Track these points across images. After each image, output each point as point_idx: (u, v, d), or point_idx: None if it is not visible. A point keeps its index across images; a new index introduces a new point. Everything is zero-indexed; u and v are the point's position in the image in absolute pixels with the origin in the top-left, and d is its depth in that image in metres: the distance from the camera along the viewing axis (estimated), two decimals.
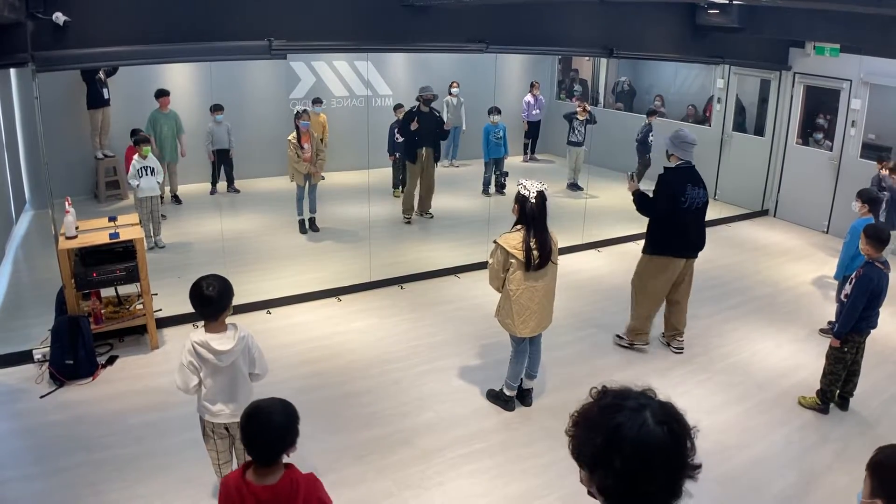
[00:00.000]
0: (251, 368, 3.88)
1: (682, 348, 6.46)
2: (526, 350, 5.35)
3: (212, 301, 3.63)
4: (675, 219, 6.03)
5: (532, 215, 4.94)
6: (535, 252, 4.93)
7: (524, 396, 5.52)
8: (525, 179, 5.07)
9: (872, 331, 5.40)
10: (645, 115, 12.20)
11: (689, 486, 1.55)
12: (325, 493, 2.86)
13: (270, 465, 2.71)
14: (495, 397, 5.53)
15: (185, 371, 3.71)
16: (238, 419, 3.86)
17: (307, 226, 9.54)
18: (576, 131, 12.04)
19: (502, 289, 5.15)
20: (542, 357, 5.52)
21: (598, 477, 1.53)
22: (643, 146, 11.96)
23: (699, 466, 1.54)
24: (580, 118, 11.91)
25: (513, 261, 4.98)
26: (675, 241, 6.16)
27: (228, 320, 3.78)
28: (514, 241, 4.96)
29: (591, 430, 1.54)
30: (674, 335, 6.51)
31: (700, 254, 6.32)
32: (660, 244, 6.20)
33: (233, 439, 3.96)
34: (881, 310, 5.32)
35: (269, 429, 2.65)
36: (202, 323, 3.80)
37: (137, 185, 8.23)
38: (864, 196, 6.58)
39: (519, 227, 5.01)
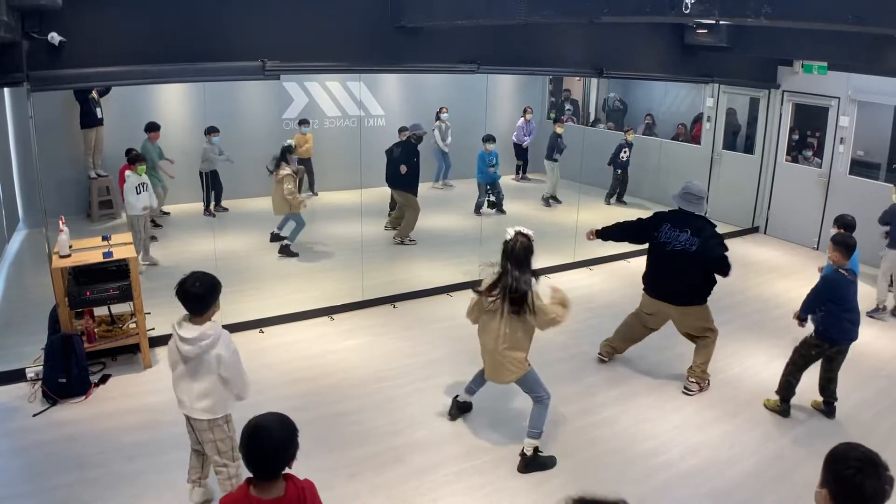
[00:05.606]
0: (222, 371, 3.86)
1: (690, 391, 6.15)
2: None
3: (194, 297, 3.78)
4: (653, 251, 6.13)
5: (506, 254, 4.81)
6: (492, 296, 4.84)
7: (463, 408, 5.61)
8: (515, 228, 4.89)
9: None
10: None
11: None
12: (318, 499, 2.88)
13: (272, 480, 2.70)
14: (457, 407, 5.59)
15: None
16: (194, 414, 3.91)
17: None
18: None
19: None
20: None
21: None
22: (614, 162, 12.72)
23: None
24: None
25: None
26: (647, 275, 6.22)
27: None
28: (488, 281, 4.93)
29: None
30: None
31: None
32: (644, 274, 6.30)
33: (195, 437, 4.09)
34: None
35: (269, 445, 2.64)
36: None
37: (136, 199, 8.23)
38: (839, 222, 6.74)
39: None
